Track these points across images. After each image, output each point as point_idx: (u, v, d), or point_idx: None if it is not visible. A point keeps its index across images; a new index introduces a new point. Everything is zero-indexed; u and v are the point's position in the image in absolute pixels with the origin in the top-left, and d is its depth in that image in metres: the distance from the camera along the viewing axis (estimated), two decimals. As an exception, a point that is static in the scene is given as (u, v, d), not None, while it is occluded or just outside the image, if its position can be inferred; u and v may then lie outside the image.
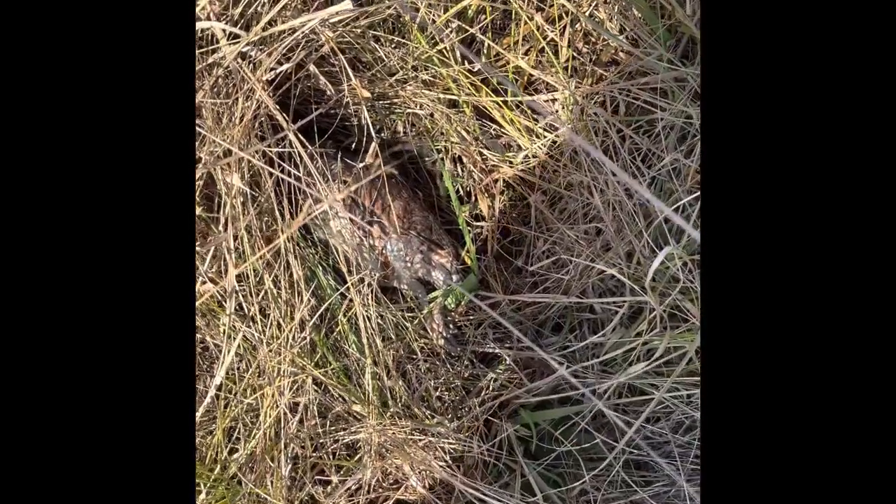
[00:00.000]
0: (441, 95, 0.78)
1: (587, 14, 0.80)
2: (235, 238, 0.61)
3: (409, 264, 0.75)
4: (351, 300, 0.67)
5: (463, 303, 0.76)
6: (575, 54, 0.81)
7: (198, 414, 0.64)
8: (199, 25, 0.59)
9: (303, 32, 0.60)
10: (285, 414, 0.64)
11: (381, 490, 0.66)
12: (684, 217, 0.73)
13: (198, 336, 0.66)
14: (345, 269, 0.68)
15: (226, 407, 0.65)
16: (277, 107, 0.60)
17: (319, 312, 0.64)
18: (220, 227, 0.62)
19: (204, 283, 0.63)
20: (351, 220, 0.70)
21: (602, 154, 0.74)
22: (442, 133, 0.80)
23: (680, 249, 0.65)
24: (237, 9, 0.63)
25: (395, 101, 0.80)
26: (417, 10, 0.73)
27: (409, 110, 0.80)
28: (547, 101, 0.79)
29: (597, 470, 0.68)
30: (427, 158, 0.81)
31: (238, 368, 0.65)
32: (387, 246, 0.74)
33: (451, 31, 0.77)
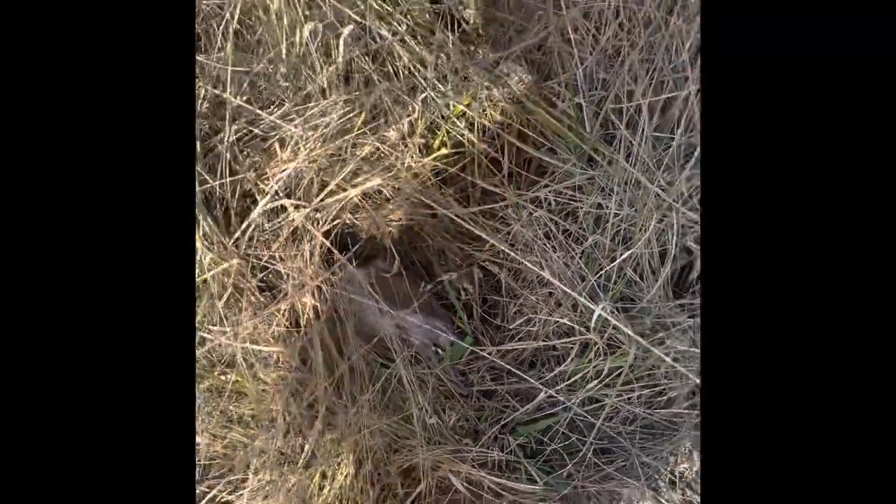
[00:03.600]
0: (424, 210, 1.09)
1: (516, 134, 1.13)
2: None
3: (420, 335, 1.06)
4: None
5: (464, 357, 1.07)
6: (515, 167, 1.14)
7: (300, 463, 0.92)
8: (270, 204, 0.88)
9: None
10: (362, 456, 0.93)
11: (432, 497, 0.96)
12: (607, 275, 1.06)
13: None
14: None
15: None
16: (335, 249, 0.90)
17: (387, 395, 0.94)
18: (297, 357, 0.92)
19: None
20: (398, 326, 1.01)
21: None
22: (429, 237, 1.12)
23: (608, 303, 0.98)
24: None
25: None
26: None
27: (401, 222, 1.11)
28: (500, 206, 1.11)
29: (575, 459, 0.99)
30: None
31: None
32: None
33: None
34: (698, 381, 0.94)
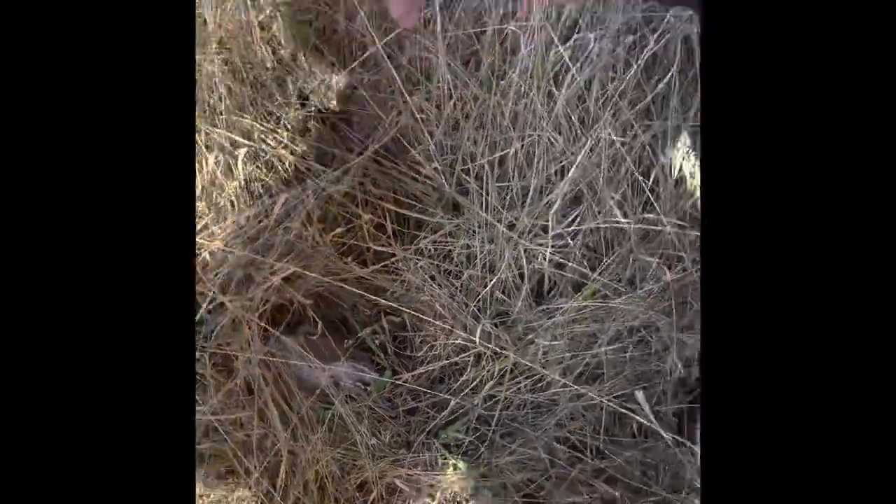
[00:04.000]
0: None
1: (393, 201, 1.41)
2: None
3: (349, 378, 1.31)
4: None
5: (387, 387, 1.34)
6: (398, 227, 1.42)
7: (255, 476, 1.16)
8: (210, 305, 1.12)
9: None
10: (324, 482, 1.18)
11: (384, 500, 1.22)
12: (483, 298, 1.36)
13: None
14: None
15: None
16: (269, 327, 1.15)
17: (333, 431, 1.19)
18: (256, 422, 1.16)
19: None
20: (330, 376, 1.26)
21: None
22: (341, 298, 1.37)
23: (488, 320, 1.27)
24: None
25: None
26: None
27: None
28: (391, 261, 1.39)
29: (486, 445, 1.28)
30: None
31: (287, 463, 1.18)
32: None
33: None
34: (550, 373, 1.25)
